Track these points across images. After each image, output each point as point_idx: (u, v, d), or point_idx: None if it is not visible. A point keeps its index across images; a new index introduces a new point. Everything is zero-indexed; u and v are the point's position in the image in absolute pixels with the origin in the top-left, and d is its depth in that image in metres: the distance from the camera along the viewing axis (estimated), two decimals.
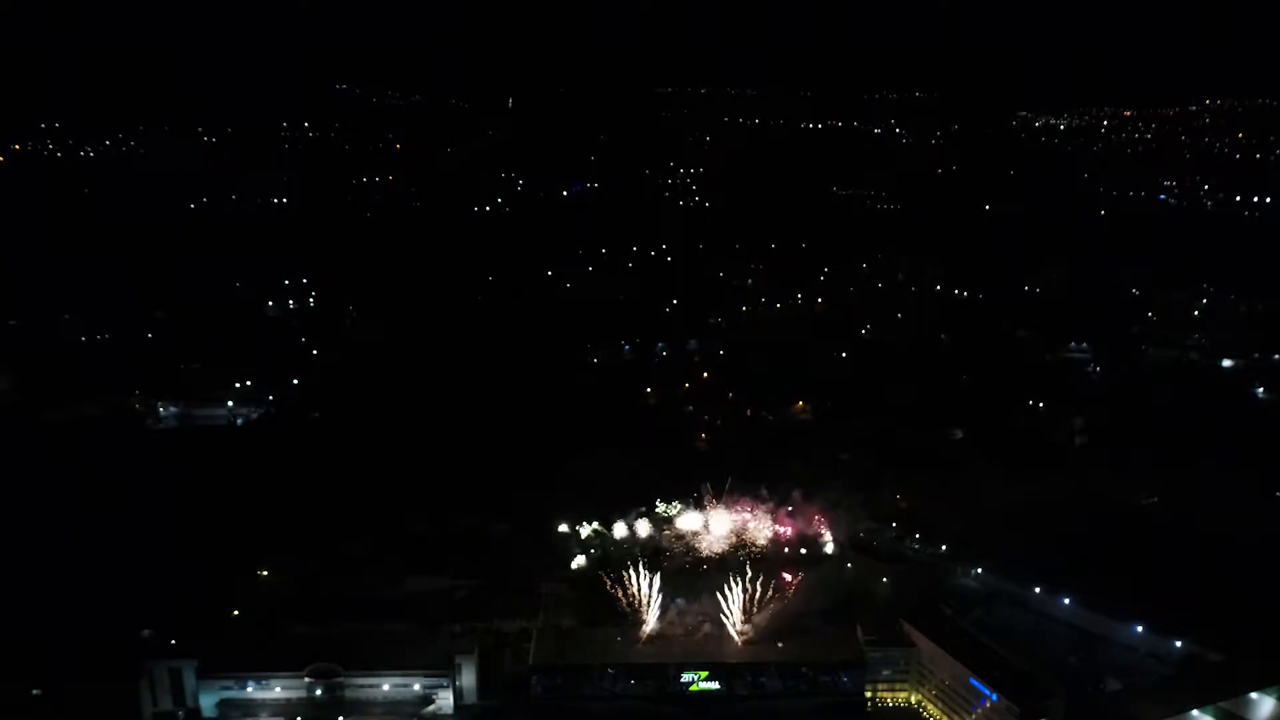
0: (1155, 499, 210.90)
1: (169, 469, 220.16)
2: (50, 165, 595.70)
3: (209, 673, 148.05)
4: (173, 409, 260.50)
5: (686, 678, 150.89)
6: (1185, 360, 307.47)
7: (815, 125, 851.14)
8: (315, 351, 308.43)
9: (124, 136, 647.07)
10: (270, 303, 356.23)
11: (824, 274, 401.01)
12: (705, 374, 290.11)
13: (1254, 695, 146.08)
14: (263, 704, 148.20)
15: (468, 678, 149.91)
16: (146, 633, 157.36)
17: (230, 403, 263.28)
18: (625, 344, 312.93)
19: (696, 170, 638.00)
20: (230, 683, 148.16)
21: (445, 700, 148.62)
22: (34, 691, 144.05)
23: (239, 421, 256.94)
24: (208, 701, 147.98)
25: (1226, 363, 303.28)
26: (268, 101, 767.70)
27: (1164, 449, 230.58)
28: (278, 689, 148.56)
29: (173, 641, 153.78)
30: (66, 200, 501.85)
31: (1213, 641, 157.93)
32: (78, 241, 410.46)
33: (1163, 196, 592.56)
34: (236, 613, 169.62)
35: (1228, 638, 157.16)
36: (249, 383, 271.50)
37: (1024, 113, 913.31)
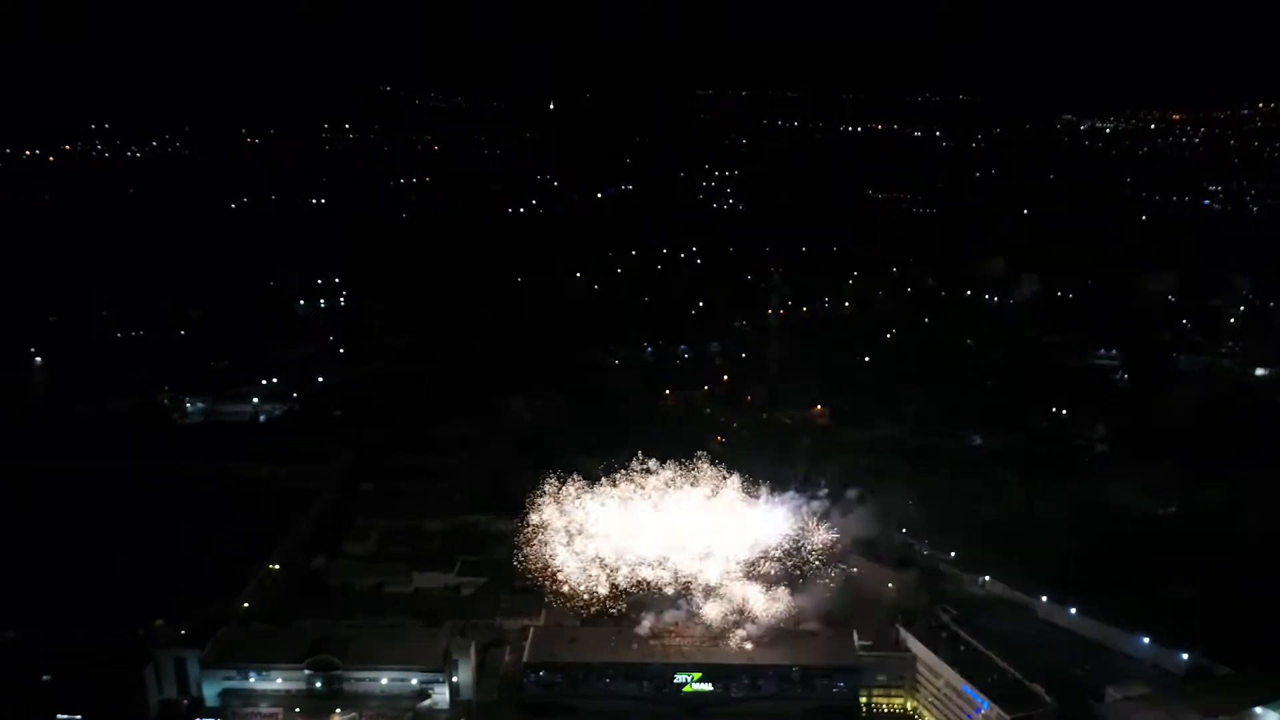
0: (1173, 509, 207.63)
1: (190, 463, 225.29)
2: (99, 165, 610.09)
3: (212, 663, 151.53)
4: (200, 404, 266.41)
5: (680, 679, 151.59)
6: (1217, 368, 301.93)
7: (854, 128, 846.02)
8: (341, 350, 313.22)
9: (170, 137, 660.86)
10: (301, 301, 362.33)
11: (853, 277, 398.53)
12: (725, 376, 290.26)
13: (1259, 710, 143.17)
14: (263, 694, 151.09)
15: (464, 674, 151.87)
16: (159, 623, 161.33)
17: (255, 399, 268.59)
18: (648, 345, 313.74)
19: (731, 172, 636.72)
20: (232, 673, 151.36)
21: (441, 695, 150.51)
22: (44, 677, 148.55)
23: (261, 418, 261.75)
24: (210, 691, 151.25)
25: (1260, 371, 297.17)
26: (312, 103, 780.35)
27: (1188, 458, 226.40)
28: (278, 680, 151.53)
29: (182, 632, 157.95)
30: (112, 200, 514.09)
31: (1220, 654, 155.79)
32: (121, 240, 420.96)
33: (1206, 201, 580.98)
34: (246, 605, 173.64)
35: (1236, 651, 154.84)
36: (274, 380, 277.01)
37: (1069, 115, 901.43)
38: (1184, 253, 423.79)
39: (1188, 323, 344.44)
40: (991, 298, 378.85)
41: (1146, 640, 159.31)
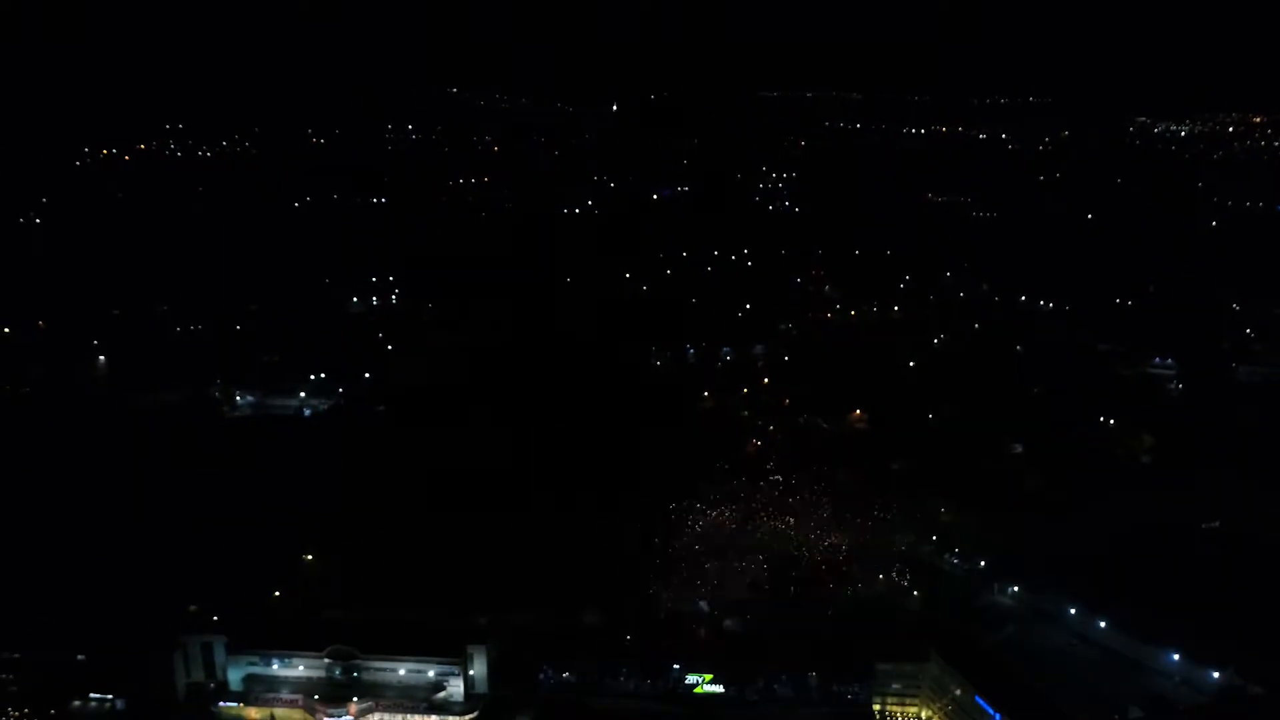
0: (1217, 523, 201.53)
1: (237, 455, 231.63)
2: (171, 164, 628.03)
3: (237, 648, 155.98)
4: (249, 398, 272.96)
5: (691, 679, 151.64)
6: (1278, 379, 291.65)
7: (918, 129, 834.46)
8: (390, 347, 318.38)
9: (239, 137, 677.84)
10: (355, 299, 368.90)
11: (904, 281, 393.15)
12: (766, 379, 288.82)
13: None
14: (285, 681, 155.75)
15: (479, 668, 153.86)
16: (193, 608, 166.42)
17: (303, 393, 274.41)
18: (690, 347, 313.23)
19: (789, 174, 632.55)
20: (256, 659, 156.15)
21: (456, 688, 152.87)
22: (79, 657, 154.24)
23: (306, 412, 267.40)
24: (235, 675, 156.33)
25: None
26: (376, 105, 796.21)
27: (1237, 471, 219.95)
28: (300, 667, 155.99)
29: (214, 618, 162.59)
30: (182, 198, 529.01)
31: (1255, 674, 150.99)
32: (186, 235, 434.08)
33: None
34: (277, 594, 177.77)
35: (1271, 671, 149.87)
36: (323, 375, 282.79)
37: (1142, 118, 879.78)
38: (1253, 260, 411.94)
39: (1250, 332, 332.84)
40: (1046, 304, 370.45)
41: (1177, 656, 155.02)
